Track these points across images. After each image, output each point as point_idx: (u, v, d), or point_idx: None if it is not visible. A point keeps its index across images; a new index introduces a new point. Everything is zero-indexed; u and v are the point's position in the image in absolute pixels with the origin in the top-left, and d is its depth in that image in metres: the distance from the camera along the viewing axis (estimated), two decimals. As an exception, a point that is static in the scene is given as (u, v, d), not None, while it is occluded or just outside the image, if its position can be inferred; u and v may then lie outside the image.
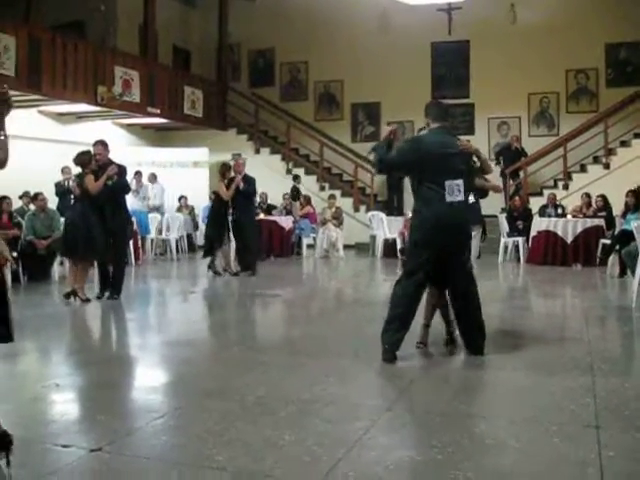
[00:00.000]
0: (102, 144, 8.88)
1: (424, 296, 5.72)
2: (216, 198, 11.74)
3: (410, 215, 6.68)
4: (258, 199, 15.64)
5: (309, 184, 17.13)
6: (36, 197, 11.28)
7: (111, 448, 3.50)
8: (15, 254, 10.25)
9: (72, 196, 9.50)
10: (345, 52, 17.77)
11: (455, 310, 5.69)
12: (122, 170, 8.91)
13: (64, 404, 4.52)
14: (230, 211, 11.47)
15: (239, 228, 11.44)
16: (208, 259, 11.69)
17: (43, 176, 12.47)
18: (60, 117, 14.83)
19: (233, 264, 11.77)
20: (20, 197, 12.04)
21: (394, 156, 5.54)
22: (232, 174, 11.50)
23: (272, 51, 19.22)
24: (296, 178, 16.86)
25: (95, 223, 8.41)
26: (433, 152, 5.44)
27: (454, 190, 5.41)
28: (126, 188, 9.09)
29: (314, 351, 5.88)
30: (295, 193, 16.35)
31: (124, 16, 16.17)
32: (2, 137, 3.43)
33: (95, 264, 9.02)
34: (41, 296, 9.45)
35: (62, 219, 11.38)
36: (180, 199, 16.09)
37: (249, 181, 11.50)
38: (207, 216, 12.46)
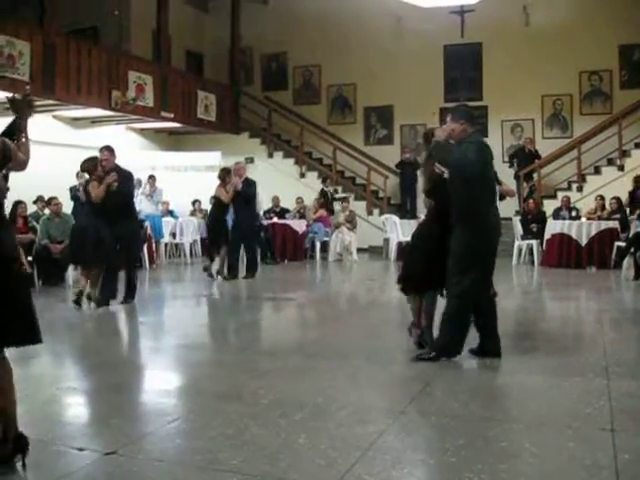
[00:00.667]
0: (108, 150, 8.72)
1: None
2: (216, 202, 11.73)
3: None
4: (265, 204, 15.69)
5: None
6: (50, 202, 11.34)
7: (125, 451, 3.51)
8: (30, 258, 10.32)
9: (80, 202, 9.53)
10: (358, 55, 17.76)
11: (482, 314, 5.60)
12: (127, 176, 8.77)
13: (78, 407, 4.54)
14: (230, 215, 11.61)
15: (238, 233, 11.47)
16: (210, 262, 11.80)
17: (58, 181, 12.51)
18: (74, 122, 14.90)
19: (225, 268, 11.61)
20: (34, 202, 12.10)
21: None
22: (233, 178, 11.48)
23: (285, 55, 19.24)
24: (325, 181, 16.89)
25: (102, 228, 8.37)
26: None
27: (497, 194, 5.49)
28: (126, 197, 8.76)
29: (328, 354, 5.88)
30: (325, 197, 16.40)
31: (137, 21, 16.25)
32: (24, 139, 3.42)
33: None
34: (55, 300, 9.48)
35: (74, 224, 11.49)
36: (194, 203, 16.12)
37: (250, 184, 11.54)
38: (207, 221, 12.58)
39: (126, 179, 8.74)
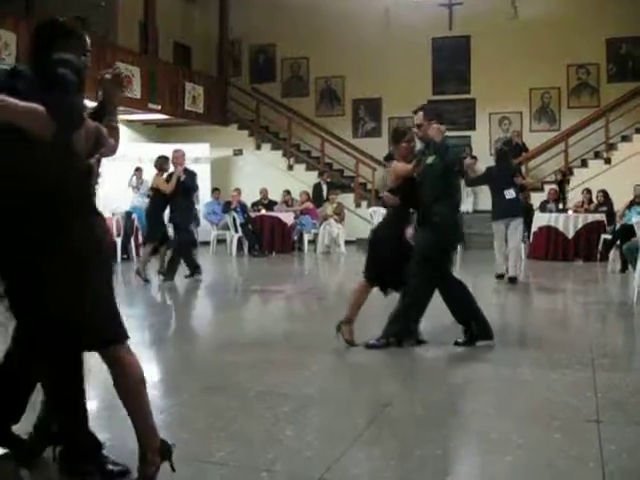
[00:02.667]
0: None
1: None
2: (154, 194, 10.49)
3: None
4: (252, 197, 15.59)
5: (310, 180, 17.08)
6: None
7: (111, 445, 3.49)
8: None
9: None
10: (346, 48, 17.72)
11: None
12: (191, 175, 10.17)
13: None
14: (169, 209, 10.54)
15: (176, 228, 10.45)
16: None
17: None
18: (61, 113, 14.81)
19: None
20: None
21: None
22: (171, 168, 10.37)
23: (273, 47, 19.16)
24: (322, 174, 16.85)
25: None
26: None
27: None
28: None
29: (316, 346, 5.87)
30: (319, 191, 16.32)
31: (125, 12, 16.14)
32: (113, 123, 3.22)
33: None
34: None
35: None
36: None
37: (190, 175, 10.45)
38: (145, 215, 11.13)
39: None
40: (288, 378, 4.84)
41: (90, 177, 3.07)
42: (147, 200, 11.19)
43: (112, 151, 3.24)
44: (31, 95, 2.71)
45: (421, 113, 5.76)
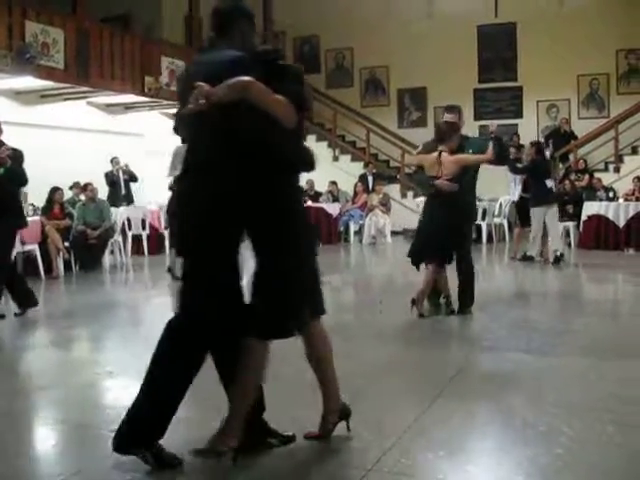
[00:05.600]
0: None
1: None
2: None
3: None
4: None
5: (356, 170, 17.05)
6: (86, 187, 11.46)
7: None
8: (67, 244, 10.46)
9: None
10: (390, 37, 17.62)
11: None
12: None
13: (117, 391, 4.59)
14: None
15: None
16: None
17: (93, 167, 12.65)
18: (108, 108, 14.98)
19: None
20: (70, 188, 12.22)
21: None
22: None
23: (317, 38, 19.16)
24: (367, 165, 16.85)
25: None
26: None
27: None
28: None
29: (365, 337, 5.88)
30: (366, 182, 16.33)
31: (169, 6, 16.26)
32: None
33: None
34: (93, 284, 9.60)
35: (112, 208, 11.58)
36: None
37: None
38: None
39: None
40: (338, 368, 4.83)
41: None
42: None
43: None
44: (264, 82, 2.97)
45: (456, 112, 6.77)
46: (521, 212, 11.71)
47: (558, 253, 10.54)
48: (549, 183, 10.81)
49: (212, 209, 3.05)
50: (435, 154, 6.49)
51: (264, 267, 3.14)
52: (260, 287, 3.15)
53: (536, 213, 10.68)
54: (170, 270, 9.49)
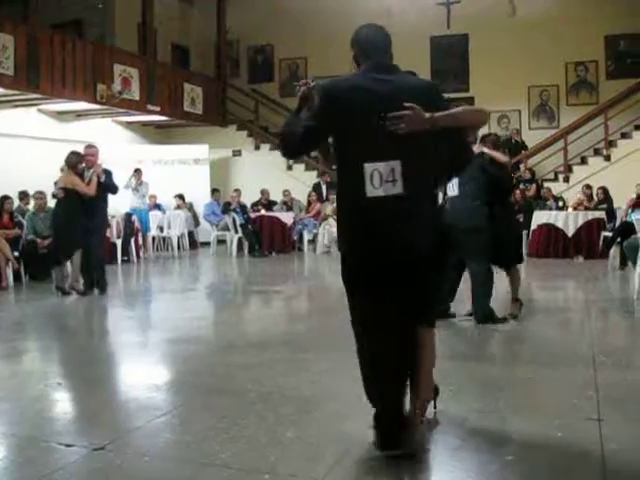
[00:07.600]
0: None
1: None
2: (66, 196, 9.13)
3: None
4: (253, 197, 15.57)
5: (310, 180, 17.07)
6: (35, 196, 11.28)
7: (113, 446, 3.50)
8: (17, 254, 10.28)
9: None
10: (344, 47, 17.09)
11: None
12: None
13: (66, 402, 4.53)
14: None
15: (90, 234, 9.07)
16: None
17: (42, 175, 12.46)
18: (60, 115, 14.81)
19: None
20: (20, 198, 12.01)
21: None
22: (83, 166, 9.17)
23: (271, 47, 19.19)
24: (322, 174, 16.80)
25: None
26: None
27: None
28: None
29: (317, 347, 5.88)
30: (319, 191, 16.30)
31: (122, 14, 16.15)
32: None
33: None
34: (42, 295, 9.44)
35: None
36: (175, 197, 15.84)
37: (107, 174, 9.26)
38: (53, 218, 9.77)
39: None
40: (290, 379, 4.84)
41: None
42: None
43: None
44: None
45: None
46: None
47: None
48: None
49: None
50: None
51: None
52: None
53: None
54: (73, 287, 9.25)
